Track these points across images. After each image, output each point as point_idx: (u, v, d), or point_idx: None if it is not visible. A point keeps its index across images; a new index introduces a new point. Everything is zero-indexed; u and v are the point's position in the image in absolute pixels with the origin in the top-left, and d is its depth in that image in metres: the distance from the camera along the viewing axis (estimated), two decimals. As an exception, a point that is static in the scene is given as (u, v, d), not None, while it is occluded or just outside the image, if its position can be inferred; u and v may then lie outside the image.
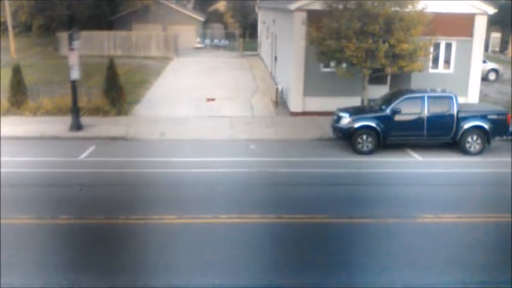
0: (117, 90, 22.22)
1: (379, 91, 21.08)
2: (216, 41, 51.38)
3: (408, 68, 19.40)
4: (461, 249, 10.47)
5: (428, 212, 12.23)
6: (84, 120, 20.19)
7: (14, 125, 19.86)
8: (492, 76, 33.96)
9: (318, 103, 21.96)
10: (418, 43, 19.13)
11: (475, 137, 17.46)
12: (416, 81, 21.60)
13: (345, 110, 18.23)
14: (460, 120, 17.39)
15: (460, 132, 17.40)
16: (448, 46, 22.56)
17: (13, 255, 9.89)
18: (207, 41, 50.70)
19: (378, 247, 10.51)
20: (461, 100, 19.78)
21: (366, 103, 20.33)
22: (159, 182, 14.30)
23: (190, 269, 9.52)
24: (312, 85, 22.03)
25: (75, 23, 20.19)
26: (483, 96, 25.98)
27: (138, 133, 19.51)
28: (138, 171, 15.25)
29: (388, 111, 17.37)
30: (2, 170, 14.67)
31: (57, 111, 21.52)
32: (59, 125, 19.88)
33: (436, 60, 22.59)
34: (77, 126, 19.46)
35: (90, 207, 12.32)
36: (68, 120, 19.64)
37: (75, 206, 12.36)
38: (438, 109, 17.40)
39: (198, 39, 49.89)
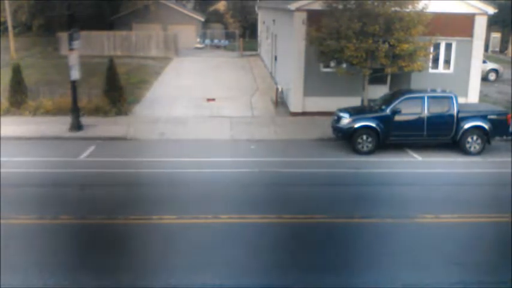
0: (117, 90, 22.21)
1: (379, 91, 21.08)
2: (216, 41, 51.34)
3: (408, 68, 19.41)
4: (461, 249, 10.48)
5: (428, 212, 12.23)
6: (84, 120, 20.19)
7: (14, 125, 19.86)
8: (492, 76, 33.95)
9: (318, 103, 21.95)
10: (418, 43, 19.15)
11: (475, 137, 17.45)
12: (416, 81, 21.59)
13: (345, 110, 18.23)
14: (460, 120, 17.39)
15: (460, 133, 17.39)
16: (448, 46, 22.55)
17: (13, 255, 9.90)
18: (207, 41, 50.67)
19: (377, 247, 10.51)
20: (461, 100, 19.79)
21: (366, 103, 20.33)
22: (159, 182, 14.29)
23: (190, 269, 9.52)
24: (312, 85, 22.02)
25: (75, 23, 20.10)
26: (483, 97, 25.97)
27: (138, 133, 19.51)
28: (138, 171, 15.25)
29: (388, 111, 17.37)
30: (2, 170, 14.68)
31: (57, 111, 21.52)
32: (59, 125, 19.88)
33: (436, 60, 22.58)
34: (77, 126, 19.45)
35: (90, 207, 12.32)
36: (68, 120, 19.64)
37: (75, 206, 12.37)
38: (438, 109, 17.40)
39: (198, 39, 49.87)
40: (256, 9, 46.95)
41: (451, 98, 17.50)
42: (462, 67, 22.57)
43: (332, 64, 21.07)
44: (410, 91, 18.52)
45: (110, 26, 47.35)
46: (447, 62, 22.79)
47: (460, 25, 22.05)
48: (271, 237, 11.01)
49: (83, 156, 16.70)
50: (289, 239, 10.90)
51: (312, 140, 19.20)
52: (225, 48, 49.99)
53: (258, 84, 29.88)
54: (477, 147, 17.49)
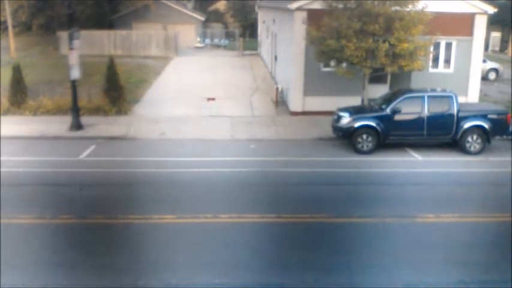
0: (117, 90, 22.19)
1: (379, 91, 21.06)
2: (216, 40, 51.33)
3: (408, 67, 19.38)
4: (461, 249, 10.48)
5: (429, 212, 12.23)
6: (84, 119, 20.19)
7: (14, 125, 19.86)
8: (492, 75, 33.93)
9: (318, 103, 21.94)
10: (418, 42, 19.11)
11: (475, 137, 17.45)
12: (416, 81, 21.59)
13: (345, 109, 18.23)
14: (460, 119, 17.39)
15: (460, 132, 17.39)
16: (448, 45, 22.54)
17: (13, 255, 9.90)
18: (207, 41, 50.66)
19: (377, 247, 10.51)
20: (461, 100, 19.77)
21: (366, 103, 20.31)
22: (159, 182, 14.30)
23: (190, 269, 9.53)
24: (312, 85, 22.01)
25: (75, 22, 20.14)
26: (483, 96, 25.97)
27: (138, 133, 19.51)
28: (138, 171, 15.25)
29: (388, 110, 17.37)
30: (2, 169, 14.68)
31: (57, 111, 21.52)
32: (59, 125, 19.88)
33: (436, 60, 22.57)
34: (77, 125, 19.45)
35: (90, 207, 12.33)
36: (68, 119, 19.64)
37: (75, 206, 12.37)
38: (438, 109, 17.39)
39: (198, 39, 49.88)
40: (256, 8, 46.95)
41: (451, 97, 17.50)
42: (462, 66, 22.57)
43: (332, 64, 21.02)
44: (410, 90, 18.51)
45: (110, 25, 47.39)
46: (447, 61, 22.78)
47: (460, 24, 22.04)
48: (271, 237, 11.02)
49: (83, 156, 16.71)
50: (290, 239, 10.89)
51: (312, 139, 19.19)
52: (225, 47, 49.99)
53: (258, 83, 29.88)
54: (477, 146, 17.49)
